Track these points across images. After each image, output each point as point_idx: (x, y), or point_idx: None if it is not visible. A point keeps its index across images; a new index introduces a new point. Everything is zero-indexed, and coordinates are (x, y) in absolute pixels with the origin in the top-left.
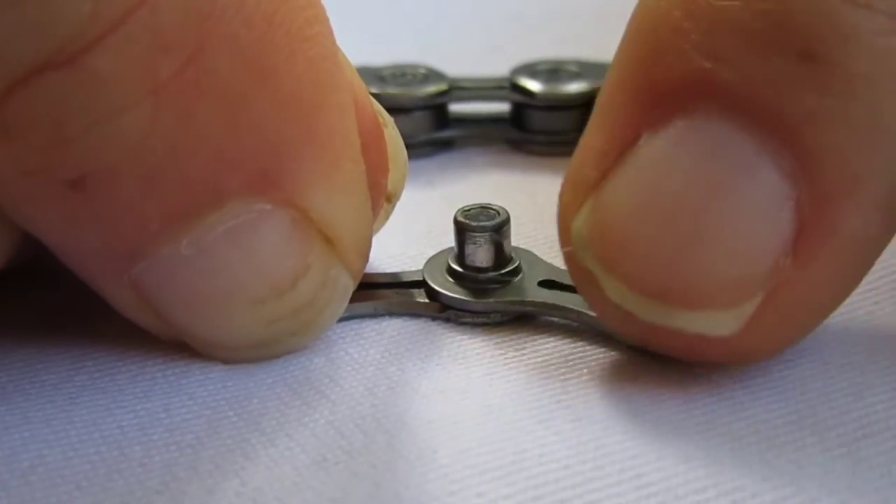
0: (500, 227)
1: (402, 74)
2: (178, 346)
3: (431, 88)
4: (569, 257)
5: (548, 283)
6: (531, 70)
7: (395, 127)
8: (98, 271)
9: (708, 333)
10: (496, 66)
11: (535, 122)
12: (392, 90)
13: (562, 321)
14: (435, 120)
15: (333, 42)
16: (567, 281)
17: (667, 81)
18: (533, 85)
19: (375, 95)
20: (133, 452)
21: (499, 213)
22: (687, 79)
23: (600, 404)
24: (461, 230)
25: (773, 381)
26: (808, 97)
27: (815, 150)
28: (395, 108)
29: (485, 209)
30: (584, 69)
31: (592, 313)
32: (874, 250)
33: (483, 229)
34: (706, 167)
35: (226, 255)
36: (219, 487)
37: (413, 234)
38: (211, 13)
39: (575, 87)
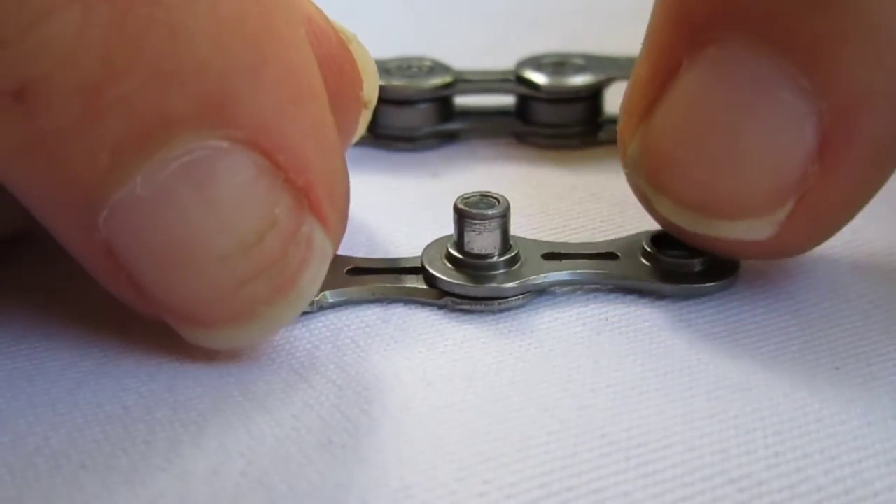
0: (500, 215)
1: (407, 67)
2: (177, 338)
3: (437, 81)
4: (628, 179)
5: (551, 256)
6: (537, 63)
7: (360, 41)
8: (67, 227)
9: (746, 239)
10: (501, 61)
11: (540, 115)
12: (397, 82)
13: (561, 303)
14: (440, 112)
15: None
16: (567, 251)
17: (700, 13)
18: (538, 77)
19: (381, 88)
20: (137, 431)
21: (499, 201)
22: (717, 10)
23: (606, 392)
24: (461, 217)
25: (781, 371)
26: (816, 20)
27: (829, 68)
28: (401, 101)
29: (485, 197)
30: (590, 62)
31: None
32: (891, 154)
33: (483, 217)
34: (736, 92)
35: (183, 199)
36: (224, 467)
37: (417, 224)
38: None
39: (580, 80)
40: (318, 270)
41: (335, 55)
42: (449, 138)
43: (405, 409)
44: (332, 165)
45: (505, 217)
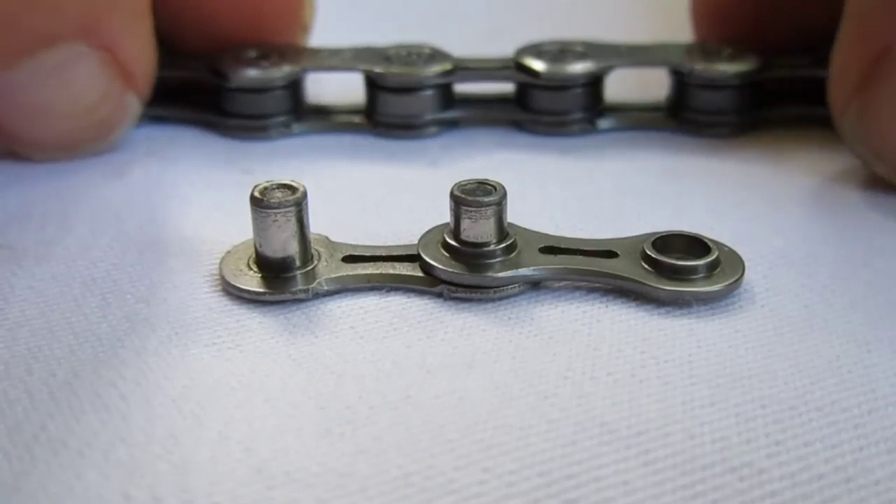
0: (496, 202)
1: (406, 54)
2: (183, 327)
3: (436, 68)
4: (846, 143)
5: (548, 249)
6: (536, 50)
7: None
8: None
9: None
10: (500, 48)
11: (539, 102)
12: (397, 69)
13: (561, 292)
14: (440, 100)
15: None
16: (566, 245)
17: None
18: (538, 65)
19: (380, 75)
20: (136, 420)
21: (495, 189)
22: None
23: (606, 380)
24: (457, 204)
25: (781, 359)
26: None
27: None
28: (401, 88)
29: (482, 184)
30: (591, 50)
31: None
32: None
33: (479, 204)
34: None
35: (49, 83)
36: (223, 455)
37: (414, 212)
38: None
39: (580, 68)
40: (131, 123)
41: None
42: (448, 126)
43: (404, 397)
44: (148, 55)
45: (501, 205)
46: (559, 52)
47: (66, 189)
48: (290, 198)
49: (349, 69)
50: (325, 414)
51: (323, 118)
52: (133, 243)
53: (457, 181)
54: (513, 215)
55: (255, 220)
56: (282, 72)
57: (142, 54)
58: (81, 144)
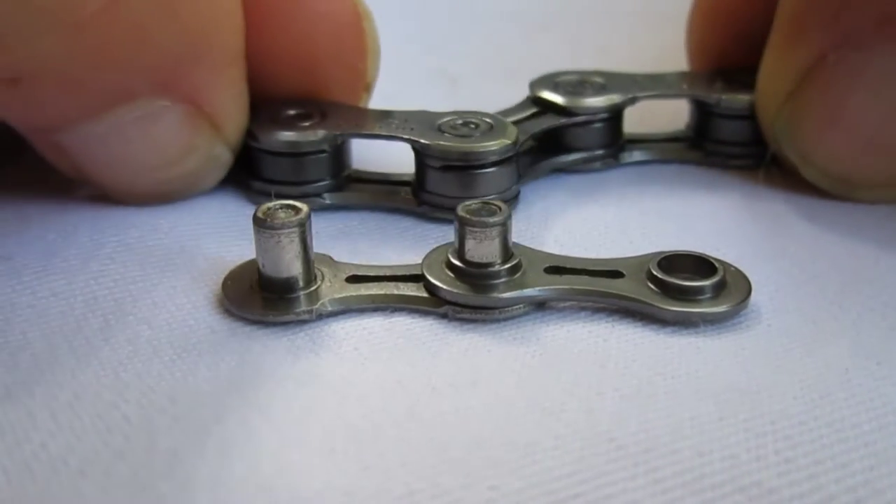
0: (500, 223)
1: (463, 123)
2: (186, 349)
3: (496, 142)
4: (774, 149)
5: (554, 269)
6: (552, 82)
7: (373, 20)
8: (30, 137)
9: (886, 202)
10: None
11: (559, 138)
12: (447, 142)
13: (566, 312)
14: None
15: None
16: (572, 265)
17: (853, 18)
18: (556, 98)
19: (426, 146)
20: (138, 439)
21: (500, 209)
22: (870, 18)
23: (613, 396)
24: (461, 224)
25: (790, 373)
26: None
27: None
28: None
29: (486, 204)
30: (610, 80)
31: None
32: None
33: (484, 224)
34: (885, 90)
35: (131, 136)
36: (226, 473)
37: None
38: None
39: (602, 101)
40: (221, 173)
41: (342, 21)
42: None
43: (409, 416)
44: (238, 105)
45: (505, 225)
46: (578, 83)
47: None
48: (294, 218)
49: (393, 138)
50: (330, 432)
51: (363, 188)
52: (134, 256)
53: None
54: (517, 236)
55: (258, 240)
56: (316, 136)
57: (231, 105)
58: (171, 194)
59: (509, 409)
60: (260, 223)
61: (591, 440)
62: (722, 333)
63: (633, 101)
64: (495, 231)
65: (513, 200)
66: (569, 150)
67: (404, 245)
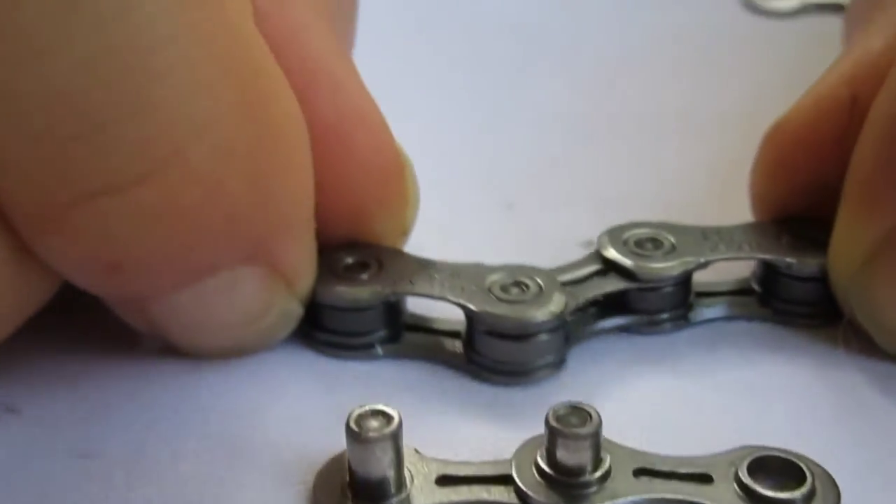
0: (593, 434)
1: (513, 283)
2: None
3: (547, 311)
4: (845, 310)
5: (642, 471)
6: (619, 238)
7: (413, 170)
8: (113, 304)
9: None
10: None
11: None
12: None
13: None
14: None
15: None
16: (660, 467)
17: None
18: (625, 261)
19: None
20: None
21: (591, 416)
22: None
23: None
24: (552, 433)
25: None
26: None
27: None
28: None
29: (576, 409)
30: (679, 238)
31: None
32: None
33: (577, 436)
34: None
35: (213, 301)
36: None
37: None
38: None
39: (672, 265)
40: (292, 327)
41: (387, 169)
42: None
43: None
44: (311, 262)
45: (597, 435)
46: (646, 241)
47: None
48: (388, 430)
49: (444, 299)
50: None
51: (415, 339)
52: (220, 449)
53: (550, 406)
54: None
55: (351, 447)
56: (370, 293)
57: (305, 263)
58: (244, 350)
59: None
60: (354, 436)
61: None
62: None
63: (704, 265)
64: (587, 443)
65: (560, 364)
66: (634, 311)
67: (458, 406)
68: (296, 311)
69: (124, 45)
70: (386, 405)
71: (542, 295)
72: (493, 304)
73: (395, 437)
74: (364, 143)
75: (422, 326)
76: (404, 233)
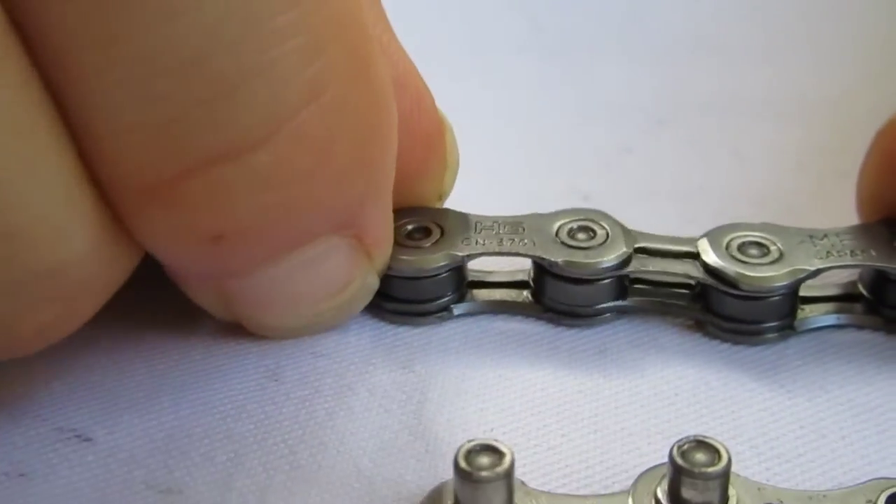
0: (723, 473)
1: (578, 228)
2: None
3: (613, 255)
4: None
5: None
6: (720, 242)
7: (453, 133)
8: (194, 283)
9: None
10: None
11: (726, 308)
12: (567, 258)
13: None
14: (614, 288)
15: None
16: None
17: None
18: (728, 268)
19: (553, 263)
20: None
21: (719, 454)
22: None
23: None
24: (678, 472)
25: None
26: None
27: None
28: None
29: (701, 443)
30: (786, 243)
31: None
32: None
33: (706, 476)
34: None
35: (301, 276)
36: None
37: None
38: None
39: (780, 273)
40: (368, 299)
41: (429, 132)
42: (619, 313)
43: None
44: (391, 232)
45: (727, 474)
46: (750, 245)
47: (220, 397)
48: (500, 469)
49: (517, 254)
50: None
51: (485, 294)
52: (306, 480)
53: (675, 441)
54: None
55: (459, 487)
56: (438, 260)
57: (388, 232)
58: (322, 326)
59: None
60: (465, 476)
61: None
62: None
63: (815, 274)
64: (716, 483)
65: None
66: (734, 319)
67: (540, 357)
68: (373, 283)
69: (249, 7)
70: (496, 440)
71: (609, 240)
72: (567, 252)
73: (508, 477)
74: (407, 107)
75: (484, 282)
76: (441, 196)
